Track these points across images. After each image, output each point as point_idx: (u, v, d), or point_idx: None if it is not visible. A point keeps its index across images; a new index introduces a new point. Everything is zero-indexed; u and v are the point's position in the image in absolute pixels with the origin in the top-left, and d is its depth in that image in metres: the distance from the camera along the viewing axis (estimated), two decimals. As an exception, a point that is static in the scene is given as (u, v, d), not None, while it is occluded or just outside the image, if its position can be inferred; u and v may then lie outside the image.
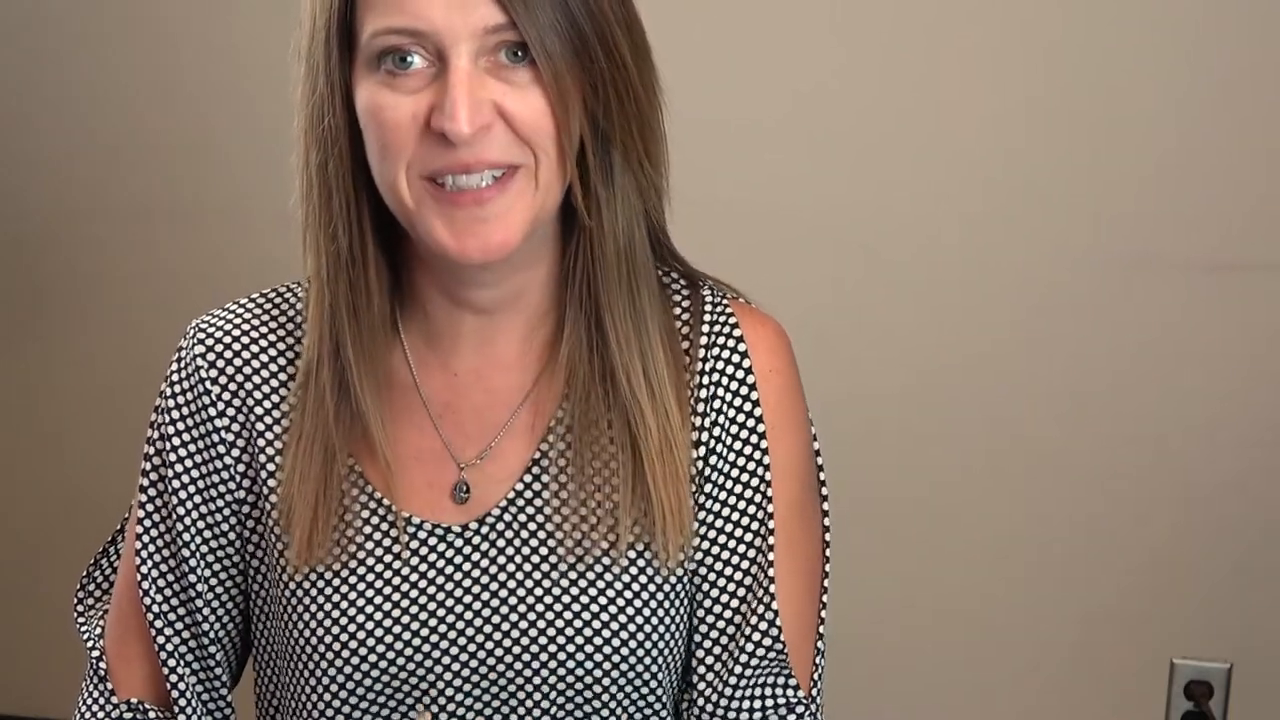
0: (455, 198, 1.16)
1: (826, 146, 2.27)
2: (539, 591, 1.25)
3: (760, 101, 2.27)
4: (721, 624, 1.29)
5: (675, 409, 1.25)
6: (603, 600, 1.24)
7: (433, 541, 1.26)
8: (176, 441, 1.29)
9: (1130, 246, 2.24)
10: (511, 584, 1.25)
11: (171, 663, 1.31)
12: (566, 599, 1.24)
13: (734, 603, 1.29)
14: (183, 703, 1.31)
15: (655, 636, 1.25)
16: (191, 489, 1.29)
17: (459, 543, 1.26)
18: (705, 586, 1.29)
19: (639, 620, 1.24)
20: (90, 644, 1.36)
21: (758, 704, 1.28)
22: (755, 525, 1.28)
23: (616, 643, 1.24)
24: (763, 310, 1.34)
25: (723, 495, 1.28)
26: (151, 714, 1.32)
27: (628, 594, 1.24)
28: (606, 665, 1.24)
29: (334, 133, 1.18)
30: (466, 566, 1.25)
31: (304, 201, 1.22)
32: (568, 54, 1.14)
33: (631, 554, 1.24)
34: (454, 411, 1.28)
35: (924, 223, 2.27)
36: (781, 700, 1.28)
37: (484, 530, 1.26)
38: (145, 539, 1.31)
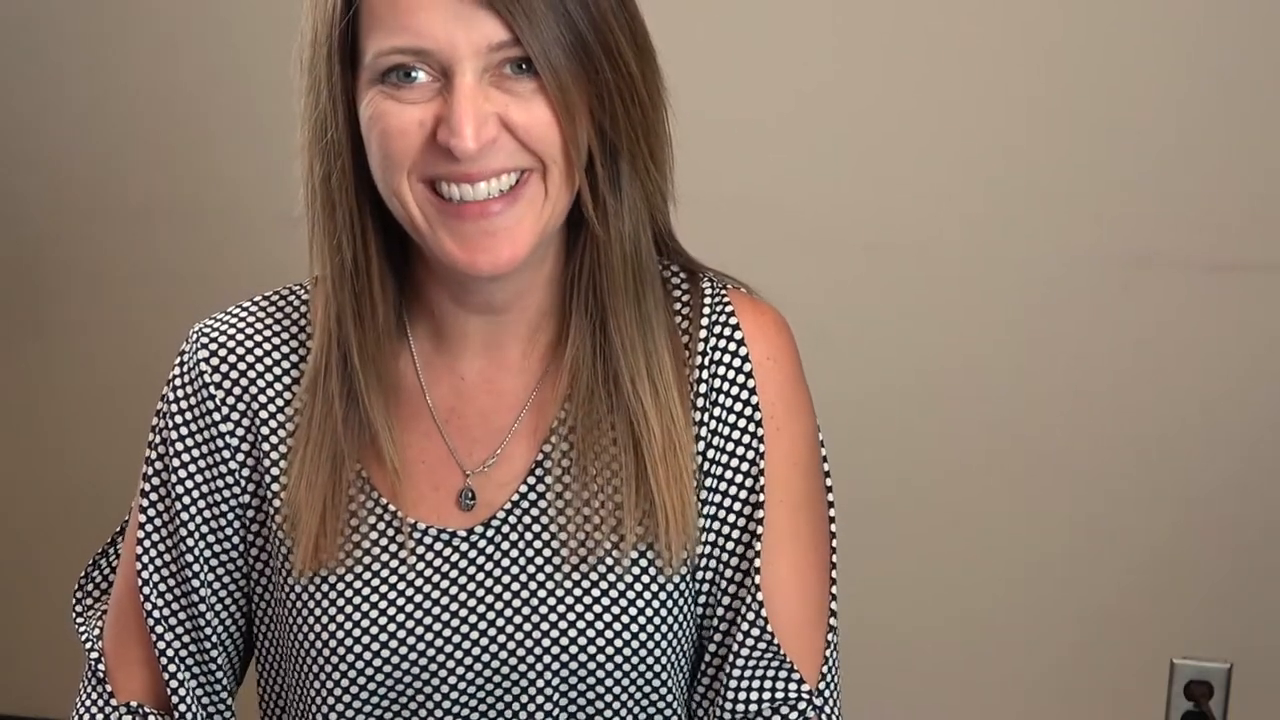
0: (461, 210, 1.15)
1: (828, 146, 2.27)
2: (543, 594, 1.24)
3: (763, 101, 2.27)
4: (715, 620, 1.29)
5: (680, 410, 1.25)
6: (605, 601, 1.24)
7: (439, 547, 1.25)
8: (180, 447, 1.29)
9: (1130, 246, 2.24)
10: (516, 586, 1.25)
11: (172, 668, 1.30)
12: (570, 600, 1.24)
13: (726, 598, 1.29)
14: (183, 708, 1.30)
15: (659, 636, 1.25)
16: (196, 494, 1.29)
17: (464, 547, 1.25)
18: (700, 584, 1.29)
19: (641, 621, 1.24)
20: (89, 645, 1.35)
21: (754, 694, 1.27)
22: (745, 518, 1.28)
23: (619, 643, 1.24)
24: (764, 300, 1.33)
25: (722, 486, 1.28)
26: (151, 718, 1.32)
27: (630, 594, 1.24)
28: (609, 666, 1.24)
29: (337, 146, 1.18)
30: (471, 570, 1.25)
31: (308, 211, 1.22)
32: (573, 66, 1.14)
33: (634, 554, 1.24)
34: (459, 417, 1.28)
35: (925, 222, 2.27)
36: (780, 694, 1.27)
37: (489, 534, 1.26)
38: (147, 543, 1.30)
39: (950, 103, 2.23)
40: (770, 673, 1.27)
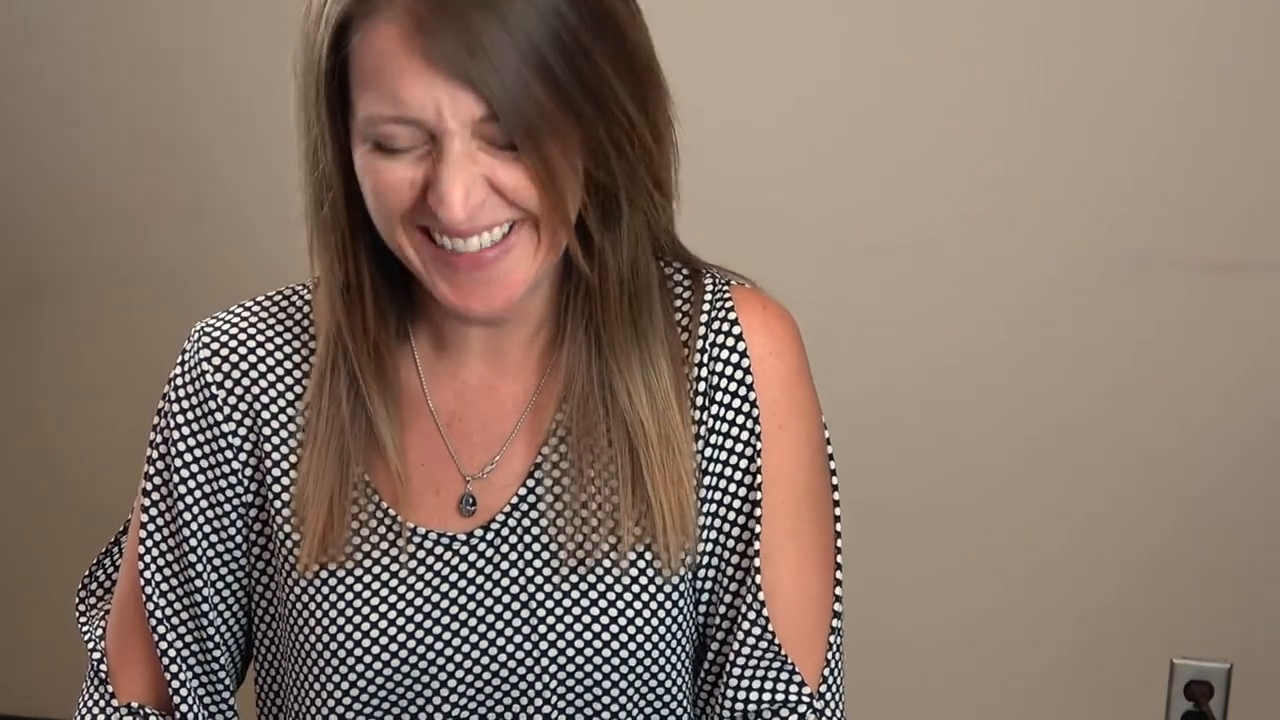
0: (456, 260, 1.14)
1: (828, 147, 2.27)
2: (541, 596, 1.24)
3: (763, 102, 2.27)
4: (716, 619, 1.28)
5: (678, 416, 1.24)
6: (602, 603, 1.24)
7: (439, 550, 1.25)
8: (182, 447, 1.29)
9: (1130, 246, 2.24)
10: (515, 589, 1.25)
11: (174, 668, 1.30)
12: (568, 602, 1.24)
13: (728, 596, 1.28)
14: (184, 709, 1.30)
15: (656, 638, 1.25)
16: (198, 493, 1.28)
17: (464, 550, 1.25)
18: (701, 583, 1.28)
19: (638, 622, 1.24)
20: (91, 645, 1.35)
21: (754, 695, 1.27)
22: (744, 515, 1.27)
23: (616, 645, 1.24)
24: (769, 296, 1.31)
25: (721, 484, 1.27)
26: (152, 718, 1.32)
27: (628, 595, 1.24)
28: (606, 668, 1.24)
29: (328, 179, 1.16)
30: (471, 574, 1.25)
31: (306, 223, 1.21)
32: (560, 130, 1.10)
33: (632, 555, 1.24)
34: (461, 421, 1.27)
35: (926, 223, 2.27)
36: (780, 696, 1.27)
37: (489, 537, 1.25)
38: (149, 543, 1.30)
39: (950, 103, 2.23)
40: (771, 674, 1.27)
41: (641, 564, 1.24)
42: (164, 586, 1.30)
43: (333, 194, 1.17)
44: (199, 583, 1.29)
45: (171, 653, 1.30)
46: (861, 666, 2.09)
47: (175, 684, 1.30)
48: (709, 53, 2.23)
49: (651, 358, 1.24)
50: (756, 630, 1.26)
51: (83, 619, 1.38)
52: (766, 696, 1.27)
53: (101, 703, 1.33)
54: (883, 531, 2.33)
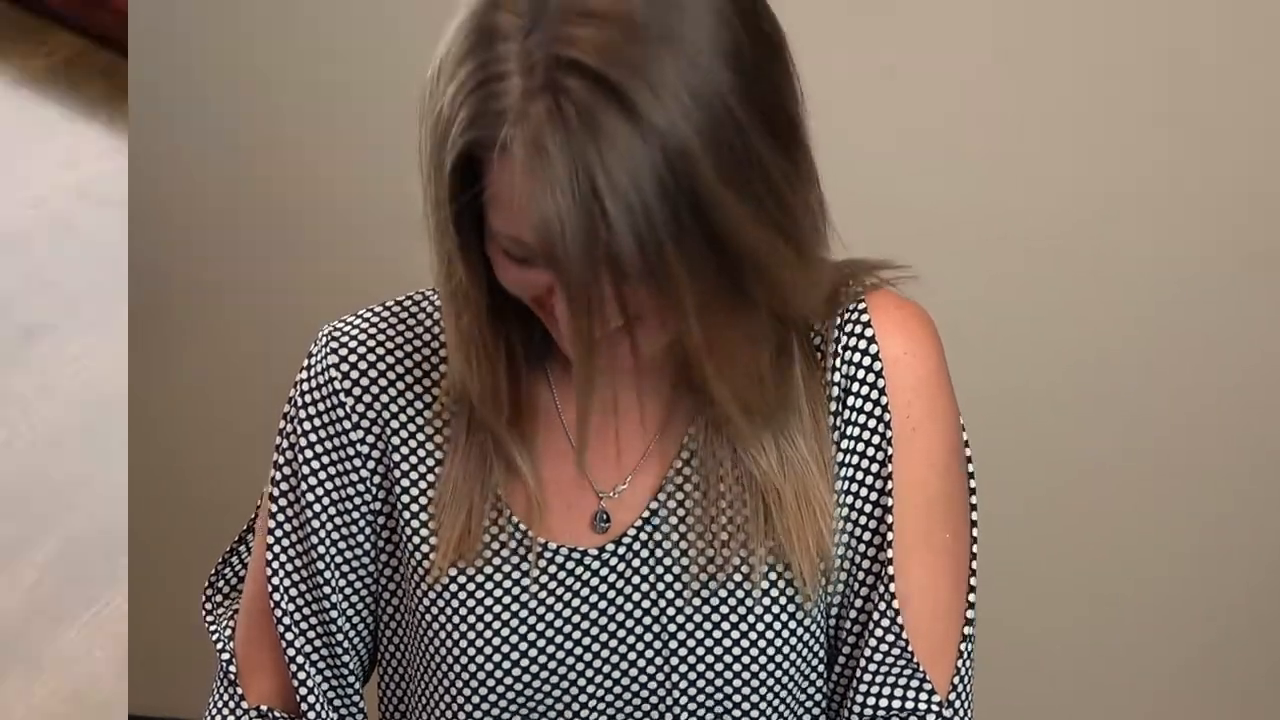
0: None
1: (979, 148, 2.28)
2: (671, 611, 1.23)
3: (928, 102, 2.28)
4: (848, 624, 1.27)
5: (817, 470, 1.21)
6: (734, 618, 1.23)
7: (570, 565, 1.24)
8: (310, 454, 1.28)
9: (1262, 243, 2.22)
10: (646, 604, 1.24)
11: (302, 674, 1.30)
12: (699, 618, 1.23)
13: (858, 600, 1.26)
14: (311, 715, 1.31)
15: (788, 649, 1.24)
16: (326, 500, 1.28)
17: (596, 565, 1.24)
18: (832, 586, 1.26)
19: (769, 635, 1.23)
20: (220, 645, 1.36)
21: (883, 700, 1.25)
22: (875, 520, 1.25)
23: (747, 660, 1.23)
24: (904, 297, 1.28)
25: (853, 488, 1.25)
26: (279, 721, 1.33)
27: (758, 610, 1.23)
28: (737, 682, 1.23)
29: (464, 292, 1.13)
30: (603, 589, 1.24)
31: (445, 321, 1.20)
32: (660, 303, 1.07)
33: (764, 567, 1.22)
34: (594, 438, 1.25)
35: (1059, 219, 2.27)
36: (910, 703, 1.25)
37: (620, 552, 1.24)
38: (276, 548, 1.31)
39: (1089, 110, 2.22)
40: (902, 680, 1.25)
41: (773, 575, 1.23)
42: (293, 593, 1.30)
43: (473, 306, 1.14)
44: (327, 589, 1.30)
45: (300, 659, 1.31)
46: (988, 668, 2.07)
47: (303, 690, 1.31)
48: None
49: (785, 428, 1.21)
50: (890, 637, 1.24)
51: (210, 619, 1.39)
52: (896, 704, 1.25)
53: (231, 704, 1.34)
54: (1013, 531, 2.31)
